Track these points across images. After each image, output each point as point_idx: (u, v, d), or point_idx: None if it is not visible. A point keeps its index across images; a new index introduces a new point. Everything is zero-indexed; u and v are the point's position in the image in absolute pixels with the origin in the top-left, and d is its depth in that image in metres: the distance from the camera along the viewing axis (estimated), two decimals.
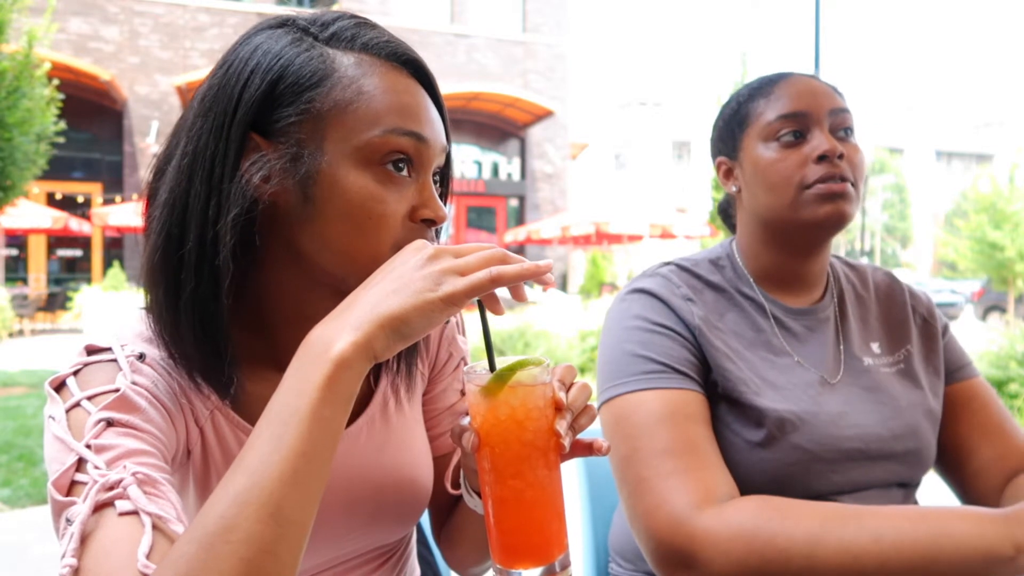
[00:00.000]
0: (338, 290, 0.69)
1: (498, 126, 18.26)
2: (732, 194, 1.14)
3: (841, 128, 1.05)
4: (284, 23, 0.72)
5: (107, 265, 15.52)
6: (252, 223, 0.68)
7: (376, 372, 0.85)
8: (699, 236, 16.15)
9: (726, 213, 1.21)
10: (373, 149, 0.68)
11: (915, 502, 1.09)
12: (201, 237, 0.67)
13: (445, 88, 16.75)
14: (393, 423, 0.85)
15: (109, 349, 0.70)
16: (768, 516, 0.86)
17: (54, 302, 13.83)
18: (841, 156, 1.02)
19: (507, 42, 18.08)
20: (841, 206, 1.02)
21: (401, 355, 0.84)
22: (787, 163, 1.04)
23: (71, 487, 0.59)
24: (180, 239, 0.68)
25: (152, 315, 0.70)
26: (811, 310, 1.10)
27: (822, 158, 1.02)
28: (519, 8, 18.44)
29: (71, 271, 16.12)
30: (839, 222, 1.03)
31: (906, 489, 1.06)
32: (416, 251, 0.61)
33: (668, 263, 1.13)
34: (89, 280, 15.42)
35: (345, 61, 0.69)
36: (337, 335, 0.57)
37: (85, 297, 12.14)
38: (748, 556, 0.84)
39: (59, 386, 0.67)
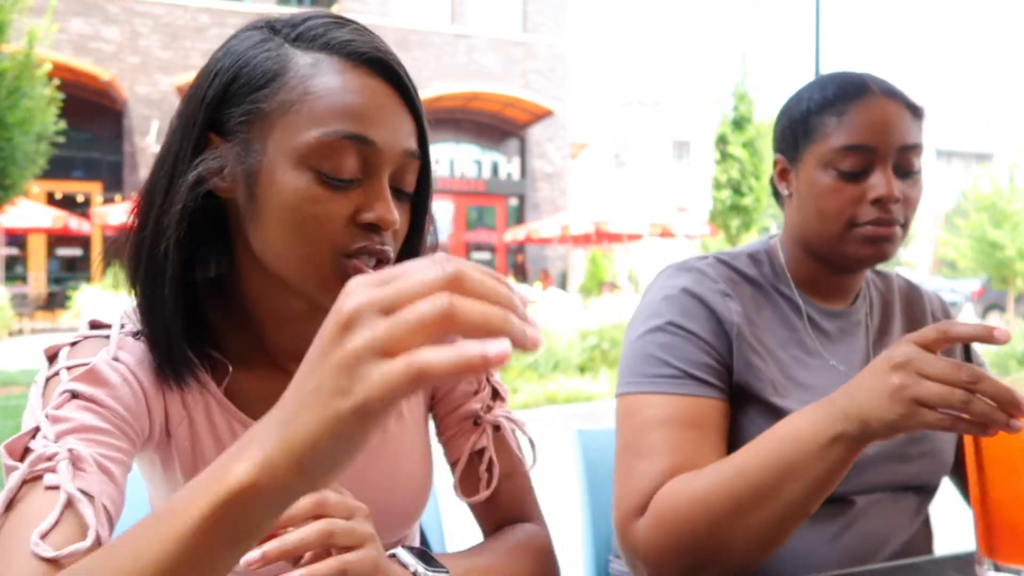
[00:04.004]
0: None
1: (498, 126, 18.26)
2: (783, 196, 1.12)
3: (907, 165, 1.02)
4: (263, 24, 0.72)
5: (107, 265, 15.50)
6: (221, 220, 0.72)
7: None
8: (699, 235, 16.16)
9: (777, 191, 1.17)
10: (310, 151, 0.67)
11: (927, 513, 1.09)
12: (156, 228, 0.70)
13: (445, 88, 16.77)
14: (390, 431, 0.84)
15: (110, 325, 0.73)
16: (674, 490, 0.88)
17: (54, 301, 13.83)
18: (897, 200, 0.99)
19: (507, 42, 18.07)
20: (885, 248, 1.01)
21: None
22: (842, 197, 1.01)
23: (24, 453, 0.61)
24: (141, 229, 0.71)
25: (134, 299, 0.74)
26: (845, 312, 1.11)
27: (877, 200, 0.99)
28: (519, 8, 18.43)
29: (71, 270, 16.11)
30: (878, 262, 1.04)
31: (921, 495, 1.06)
32: (335, 312, 0.40)
33: (706, 256, 1.12)
34: (89, 279, 15.40)
35: (300, 61, 0.68)
36: (238, 456, 0.43)
37: (85, 296, 12.13)
38: (668, 539, 0.87)
39: (54, 354, 0.70)
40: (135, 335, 0.72)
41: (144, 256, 0.70)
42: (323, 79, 0.67)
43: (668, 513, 0.87)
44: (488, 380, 0.89)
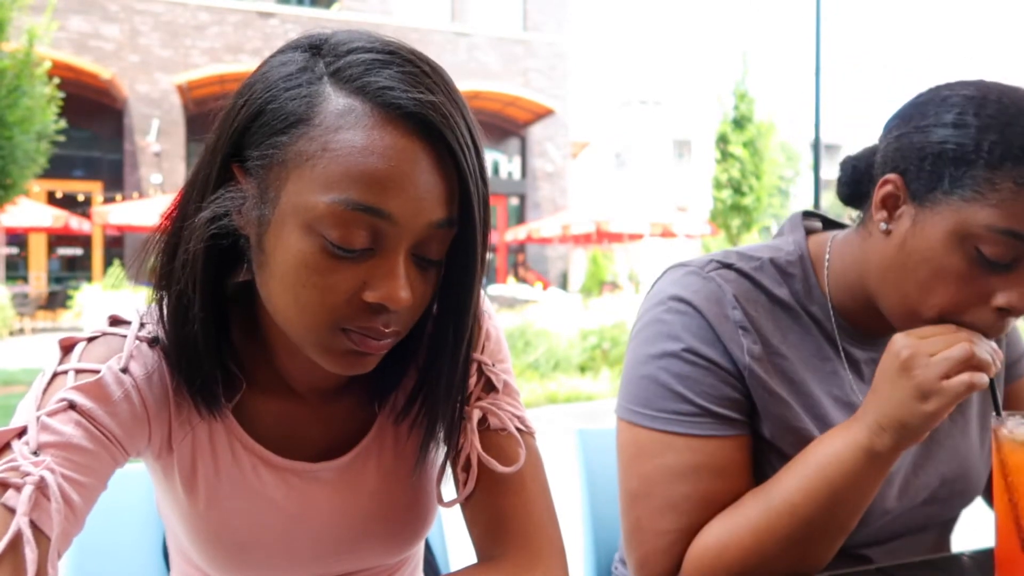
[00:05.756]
0: None
1: (499, 125, 18.26)
2: (874, 222, 0.86)
3: None
4: (308, 46, 0.64)
5: (107, 264, 15.52)
6: (238, 250, 0.67)
7: (381, 400, 0.80)
8: (699, 235, 16.16)
9: (854, 182, 0.92)
10: (320, 216, 0.60)
11: (950, 542, 1.02)
12: (186, 248, 0.66)
13: None
14: (399, 448, 0.81)
15: (129, 324, 0.71)
16: (717, 542, 0.85)
17: (55, 300, 13.84)
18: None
19: (508, 40, 18.07)
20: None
21: (425, 404, 0.76)
22: (965, 290, 0.78)
23: (4, 448, 0.60)
24: (172, 245, 0.68)
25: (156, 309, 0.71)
26: (882, 340, 0.92)
27: (1005, 310, 0.78)
28: (520, 6, 18.43)
29: (71, 269, 16.12)
30: None
31: (942, 527, 1.00)
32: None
33: (727, 263, 0.94)
34: (90, 279, 15.42)
35: (330, 106, 0.60)
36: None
37: (86, 296, 12.13)
38: None
39: (70, 346, 0.68)
40: (151, 342, 0.70)
41: (174, 269, 0.67)
42: (347, 135, 0.59)
43: (717, 566, 0.84)
44: (482, 370, 0.78)
